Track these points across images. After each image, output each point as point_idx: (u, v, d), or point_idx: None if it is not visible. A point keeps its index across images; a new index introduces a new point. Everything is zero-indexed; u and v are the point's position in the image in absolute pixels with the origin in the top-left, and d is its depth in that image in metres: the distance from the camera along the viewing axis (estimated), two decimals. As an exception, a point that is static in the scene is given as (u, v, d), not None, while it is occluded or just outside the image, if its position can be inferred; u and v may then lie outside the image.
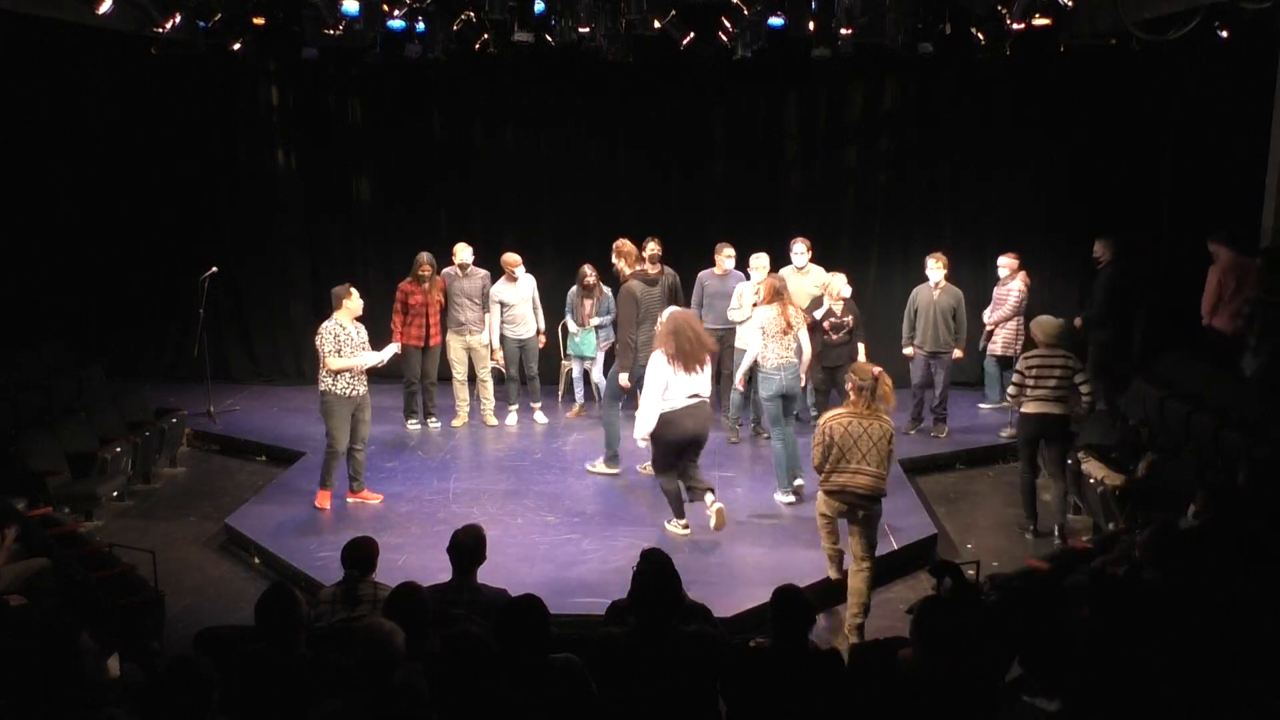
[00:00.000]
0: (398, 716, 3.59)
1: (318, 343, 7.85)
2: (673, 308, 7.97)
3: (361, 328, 8.06)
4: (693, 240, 10.73)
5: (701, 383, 7.29)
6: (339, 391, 7.85)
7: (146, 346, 12.13)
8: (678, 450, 7.34)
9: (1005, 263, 10.11)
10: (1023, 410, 7.76)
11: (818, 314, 9.36)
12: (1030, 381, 7.61)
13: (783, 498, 8.17)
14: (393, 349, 8.59)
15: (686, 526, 7.51)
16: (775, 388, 8.02)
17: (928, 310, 9.65)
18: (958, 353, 9.75)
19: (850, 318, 9.34)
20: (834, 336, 9.31)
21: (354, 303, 7.92)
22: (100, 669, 4.08)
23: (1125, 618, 4.61)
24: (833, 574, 6.78)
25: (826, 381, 9.55)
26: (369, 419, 8.22)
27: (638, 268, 8.88)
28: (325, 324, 7.89)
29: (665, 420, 7.20)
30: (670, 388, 7.17)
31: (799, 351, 8.15)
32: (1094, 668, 4.43)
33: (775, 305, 8.00)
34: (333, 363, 7.75)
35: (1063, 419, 7.69)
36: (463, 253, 9.99)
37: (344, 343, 7.78)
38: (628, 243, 9.14)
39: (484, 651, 3.84)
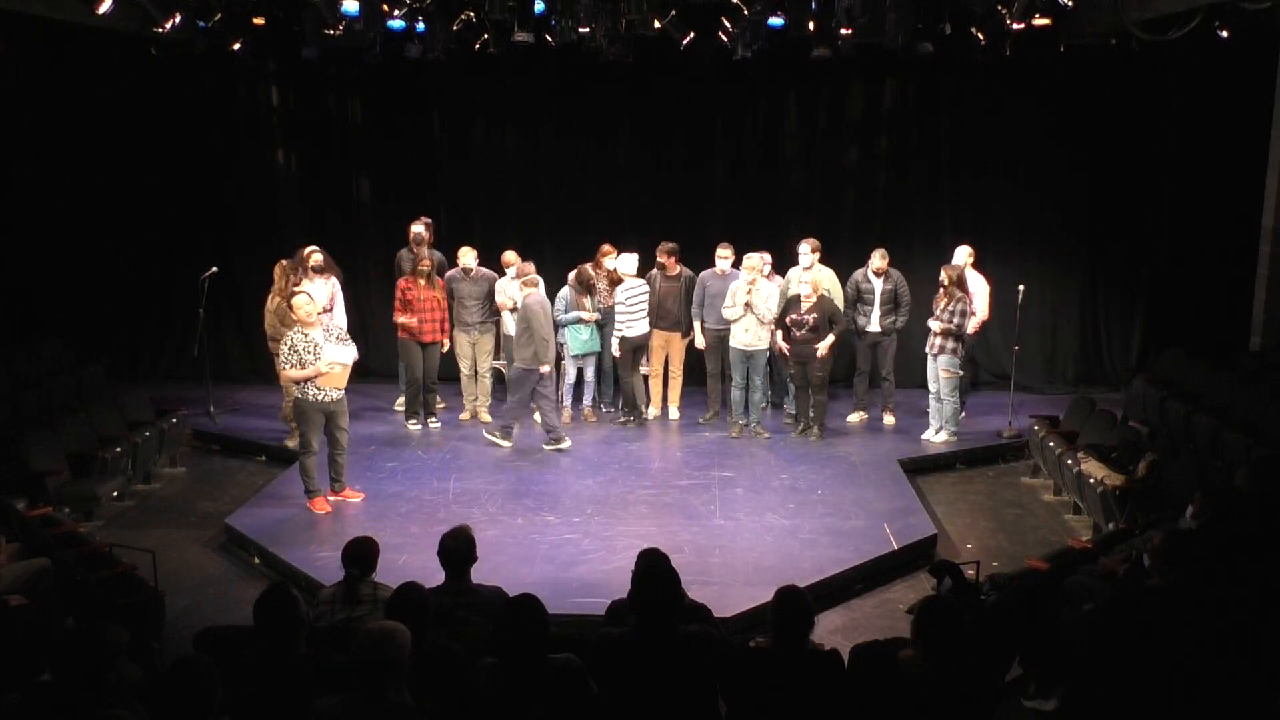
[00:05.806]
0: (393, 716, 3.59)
1: (284, 349, 7.83)
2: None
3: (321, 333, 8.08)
4: (693, 240, 10.72)
5: None
6: (310, 397, 7.88)
7: (146, 346, 12.12)
8: None
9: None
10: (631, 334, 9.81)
11: (793, 316, 9.53)
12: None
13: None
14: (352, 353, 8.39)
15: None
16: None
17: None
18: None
19: (813, 316, 9.42)
20: (797, 334, 9.53)
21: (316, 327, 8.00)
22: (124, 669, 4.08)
23: (1128, 618, 4.61)
24: None
25: (800, 375, 9.75)
26: (346, 425, 8.20)
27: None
28: (289, 333, 7.88)
29: None
30: None
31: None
32: (1093, 667, 4.44)
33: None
34: (293, 374, 7.84)
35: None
36: (465, 257, 10.04)
37: (305, 353, 7.80)
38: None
39: (460, 665, 3.86)
